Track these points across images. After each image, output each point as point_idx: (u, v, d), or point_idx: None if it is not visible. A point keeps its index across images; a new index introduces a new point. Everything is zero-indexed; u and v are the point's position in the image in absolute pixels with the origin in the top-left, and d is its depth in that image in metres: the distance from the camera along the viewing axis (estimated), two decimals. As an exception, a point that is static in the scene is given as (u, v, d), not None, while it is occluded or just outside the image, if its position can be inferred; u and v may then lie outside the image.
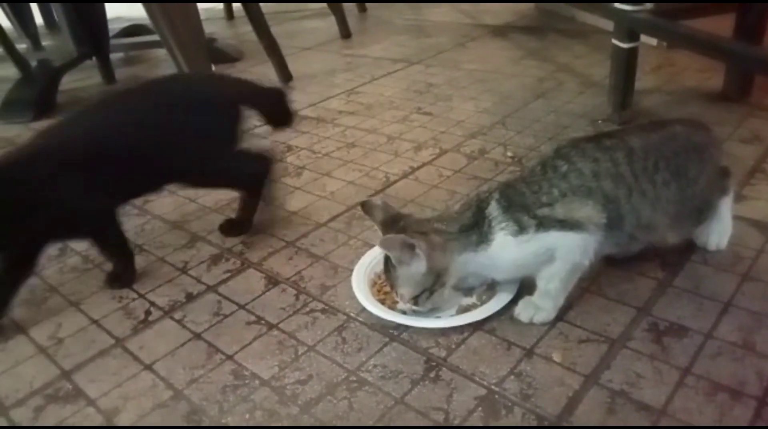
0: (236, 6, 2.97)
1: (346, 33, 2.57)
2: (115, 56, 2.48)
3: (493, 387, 0.79)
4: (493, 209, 0.86)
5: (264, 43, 2.03)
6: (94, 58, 2.26)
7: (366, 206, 0.94)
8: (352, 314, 0.94)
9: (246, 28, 2.10)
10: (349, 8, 2.78)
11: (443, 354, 0.85)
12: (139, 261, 1.13)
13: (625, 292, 0.93)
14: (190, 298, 1.02)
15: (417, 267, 0.85)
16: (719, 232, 0.98)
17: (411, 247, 0.84)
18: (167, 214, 1.29)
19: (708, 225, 0.97)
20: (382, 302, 0.94)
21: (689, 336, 0.84)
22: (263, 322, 0.95)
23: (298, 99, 1.89)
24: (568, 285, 0.87)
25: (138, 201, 1.36)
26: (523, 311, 0.89)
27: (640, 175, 0.85)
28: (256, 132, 1.40)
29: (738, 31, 1.41)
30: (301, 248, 1.13)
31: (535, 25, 2.48)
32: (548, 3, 2.59)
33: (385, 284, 0.94)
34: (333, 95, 1.91)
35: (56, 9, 2.33)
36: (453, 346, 0.86)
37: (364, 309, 0.93)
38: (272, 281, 1.04)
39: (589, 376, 0.79)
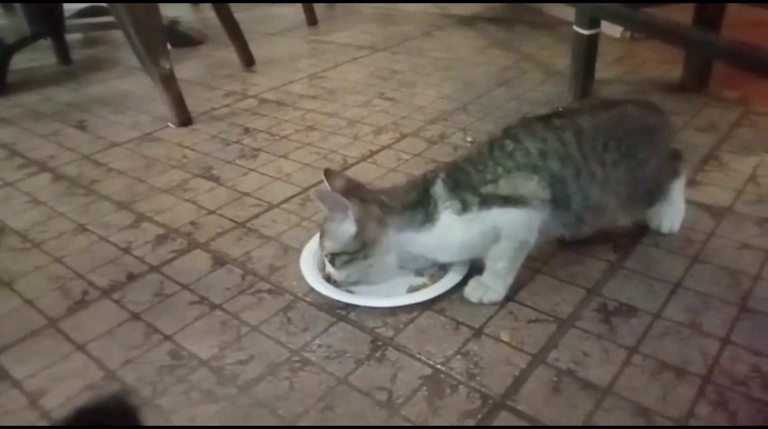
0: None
1: (312, 20, 2.53)
2: (73, 38, 2.40)
3: (438, 366, 0.77)
4: (439, 189, 0.85)
5: (226, 27, 1.98)
6: (49, 39, 2.18)
7: (328, 173, 0.91)
8: (299, 294, 0.91)
9: (210, 13, 2.04)
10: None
11: (390, 334, 0.83)
12: (81, 241, 1.09)
13: (576, 274, 0.92)
14: (132, 278, 0.98)
15: (345, 228, 0.84)
16: (671, 215, 0.98)
17: (343, 207, 0.83)
18: (115, 194, 1.24)
19: (660, 208, 0.97)
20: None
21: (637, 316, 0.83)
22: (206, 302, 0.91)
23: (260, 83, 1.85)
24: (516, 264, 0.86)
25: (84, 180, 1.30)
26: (472, 291, 0.87)
27: (589, 155, 0.84)
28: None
29: (697, 19, 1.42)
30: (252, 229, 1.09)
31: (503, 16, 2.48)
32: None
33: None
34: (295, 80, 1.87)
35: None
36: (401, 326, 0.84)
37: (312, 289, 0.90)
38: (219, 262, 1.01)
39: (536, 356, 0.77)
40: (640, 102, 0.94)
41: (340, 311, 0.87)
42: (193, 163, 1.36)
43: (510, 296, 0.88)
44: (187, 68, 2.03)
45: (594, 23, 1.35)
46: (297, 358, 0.79)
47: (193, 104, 1.64)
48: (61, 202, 1.23)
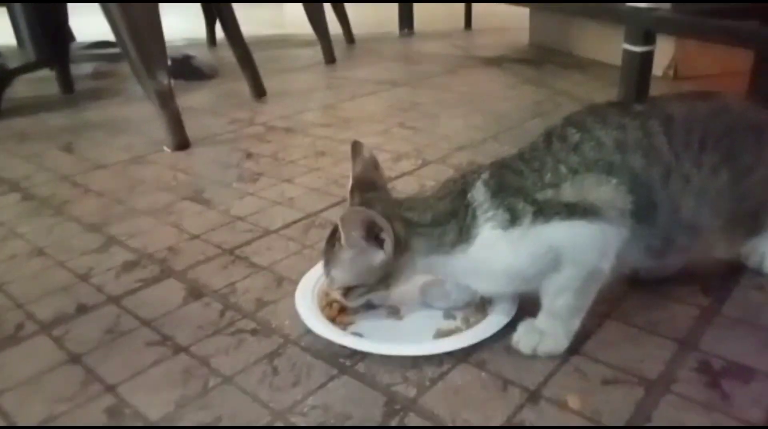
0: (219, 35, 2.84)
1: (330, 58, 2.41)
2: (81, 71, 2.31)
3: (481, 443, 0.54)
4: (479, 194, 0.64)
5: (237, 53, 1.85)
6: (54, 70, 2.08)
7: (356, 146, 0.71)
8: (291, 337, 0.70)
9: (227, 53, 1.93)
10: (338, 41, 2.65)
11: (412, 393, 0.60)
12: (34, 265, 0.89)
13: (659, 322, 0.69)
14: (82, 310, 0.77)
15: (371, 258, 0.63)
16: None
17: (374, 232, 0.62)
18: (86, 216, 1.05)
19: (762, 239, 0.75)
20: (335, 321, 0.70)
21: (757, 379, 0.60)
22: (169, 343, 0.69)
23: (270, 111, 1.70)
24: (585, 301, 0.64)
25: (56, 201, 1.12)
26: (523, 338, 0.65)
27: (681, 153, 0.63)
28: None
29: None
30: (241, 257, 0.89)
31: (530, 57, 2.35)
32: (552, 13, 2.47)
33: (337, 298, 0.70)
34: (308, 109, 1.72)
35: (18, 13, 2.16)
36: (427, 383, 0.61)
37: (308, 331, 0.69)
38: (194, 294, 0.80)
39: (621, 432, 0.54)
40: (737, 97, 0.74)
41: (344, 361, 0.65)
42: (184, 186, 1.17)
43: (574, 347, 0.65)
44: (194, 98, 1.89)
45: (649, 38, 1.17)
46: (280, 424, 0.57)
47: (193, 130, 1.47)
48: (22, 223, 1.04)
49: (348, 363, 0.65)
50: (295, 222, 0.99)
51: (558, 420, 0.56)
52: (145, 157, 1.35)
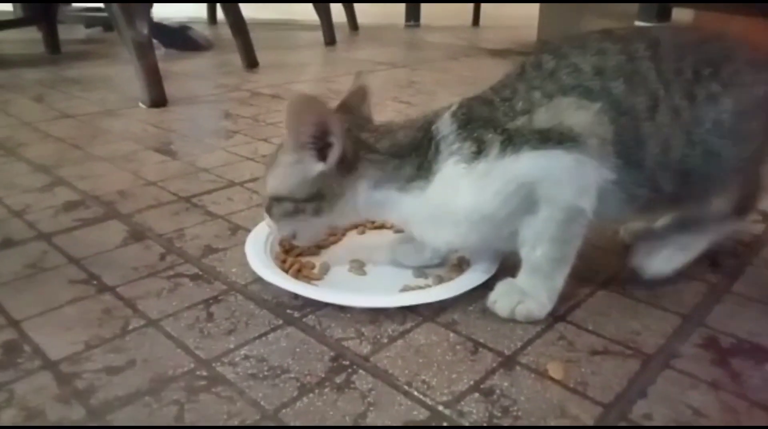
0: (220, 14, 2.76)
1: (330, 40, 2.33)
2: (73, 36, 2.23)
3: (440, 408, 0.44)
4: (444, 126, 0.55)
5: (229, 21, 1.77)
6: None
7: (359, 74, 0.63)
8: (237, 285, 0.60)
9: (226, 31, 1.85)
10: (342, 28, 2.57)
11: (366, 350, 0.51)
12: (-35, 200, 0.80)
13: (662, 295, 0.60)
14: (7, 244, 0.68)
15: (308, 166, 0.55)
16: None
17: (324, 140, 0.54)
18: (39, 158, 0.96)
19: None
20: (294, 271, 0.61)
21: (773, 361, 0.51)
22: (95, 282, 0.60)
23: (258, 80, 1.61)
24: (567, 251, 0.54)
25: (11, 143, 1.03)
26: (501, 298, 0.55)
27: (671, 81, 0.53)
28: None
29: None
30: (197, 205, 0.80)
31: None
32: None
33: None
34: (299, 80, 1.63)
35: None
36: (384, 341, 0.52)
37: (257, 279, 0.60)
38: (136, 236, 0.70)
39: (610, 406, 0.45)
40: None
41: (292, 312, 0.56)
42: (151, 137, 1.08)
43: (560, 314, 0.56)
44: (184, 64, 1.81)
45: (664, 14, 1.09)
46: (204, 373, 0.47)
47: (175, 91, 1.39)
48: (-32, 161, 0.95)
49: (297, 314, 0.55)
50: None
51: (535, 389, 0.46)
52: (117, 111, 1.26)
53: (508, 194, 0.52)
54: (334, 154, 0.54)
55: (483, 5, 3.01)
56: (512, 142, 0.51)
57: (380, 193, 0.55)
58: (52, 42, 1.99)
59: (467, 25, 2.96)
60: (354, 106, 0.61)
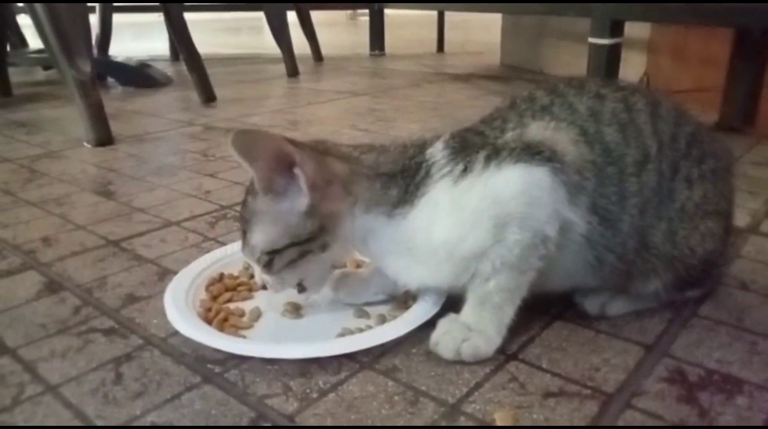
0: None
1: (293, 71, 2.30)
2: (29, 78, 2.17)
3: (370, 475, 0.38)
4: (437, 151, 0.52)
5: (184, 56, 1.74)
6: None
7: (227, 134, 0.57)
8: (155, 339, 0.54)
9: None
10: (306, 59, 2.55)
11: (291, 408, 0.45)
12: None
13: (624, 323, 0.55)
14: None
15: (291, 201, 0.50)
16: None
17: (284, 164, 0.48)
18: (-38, 207, 0.89)
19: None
20: (220, 321, 0.55)
21: (744, 393, 0.46)
22: (-7, 343, 0.54)
23: (213, 114, 1.57)
24: (521, 281, 0.50)
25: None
26: (443, 338, 0.50)
27: (665, 144, 0.51)
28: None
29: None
30: (125, 249, 0.73)
31: (500, 75, 2.27)
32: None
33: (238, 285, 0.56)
34: (256, 113, 1.59)
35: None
36: (314, 396, 0.46)
37: (177, 331, 0.53)
38: (52, 288, 0.64)
39: (564, 460, 0.39)
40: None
41: (213, 367, 0.50)
42: (89, 179, 1.02)
43: (512, 352, 0.51)
44: (140, 102, 1.76)
45: (616, 29, 1.07)
46: (103, 447, 0.41)
47: (124, 128, 1.34)
48: None
49: (218, 369, 0.49)
50: (203, 214, 0.84)
51: (481, 444, 0.41)
52: (59, 152, 1.20)
53: (483, 213, 0.48)
54: (304, 182, 0.48)
55: (447, 33, 3.03)
56: (498, 155, 0.49)
57: (370, 218, 0.51)
58: (2, 85, 1.94)
59: (432, 52, 2.97)
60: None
